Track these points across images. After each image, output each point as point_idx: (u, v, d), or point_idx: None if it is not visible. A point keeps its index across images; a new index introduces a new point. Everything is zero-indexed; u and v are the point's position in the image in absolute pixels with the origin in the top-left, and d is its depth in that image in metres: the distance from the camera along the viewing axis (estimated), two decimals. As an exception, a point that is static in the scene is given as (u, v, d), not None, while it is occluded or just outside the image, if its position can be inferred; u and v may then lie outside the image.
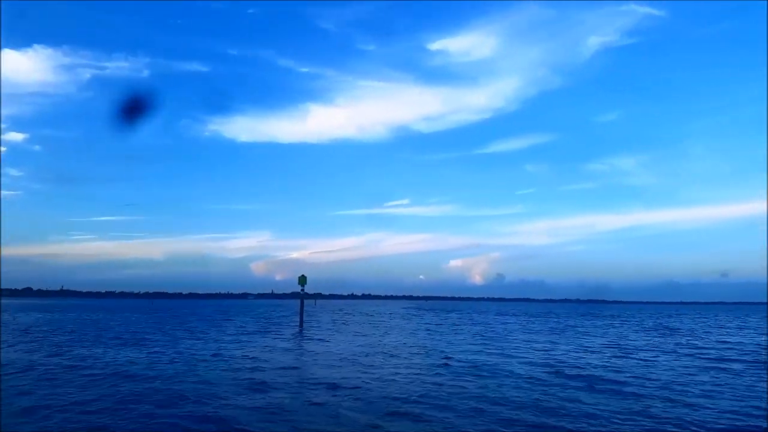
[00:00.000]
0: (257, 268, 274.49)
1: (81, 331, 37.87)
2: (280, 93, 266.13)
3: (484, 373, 18.41)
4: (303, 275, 42.68)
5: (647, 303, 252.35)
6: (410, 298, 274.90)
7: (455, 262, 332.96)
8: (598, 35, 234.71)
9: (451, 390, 15.22)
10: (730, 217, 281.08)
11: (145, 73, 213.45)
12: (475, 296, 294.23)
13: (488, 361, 21.89)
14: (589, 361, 22.28)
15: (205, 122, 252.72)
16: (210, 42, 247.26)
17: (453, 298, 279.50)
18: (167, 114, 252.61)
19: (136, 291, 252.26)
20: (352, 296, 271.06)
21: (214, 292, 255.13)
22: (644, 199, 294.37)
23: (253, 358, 22.36)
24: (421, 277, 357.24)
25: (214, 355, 23.26)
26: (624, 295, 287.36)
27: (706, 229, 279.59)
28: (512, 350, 26.46)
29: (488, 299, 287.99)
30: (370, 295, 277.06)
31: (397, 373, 18.17)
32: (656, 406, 13.41)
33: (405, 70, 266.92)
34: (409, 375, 17.90)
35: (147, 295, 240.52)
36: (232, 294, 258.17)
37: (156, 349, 25.69)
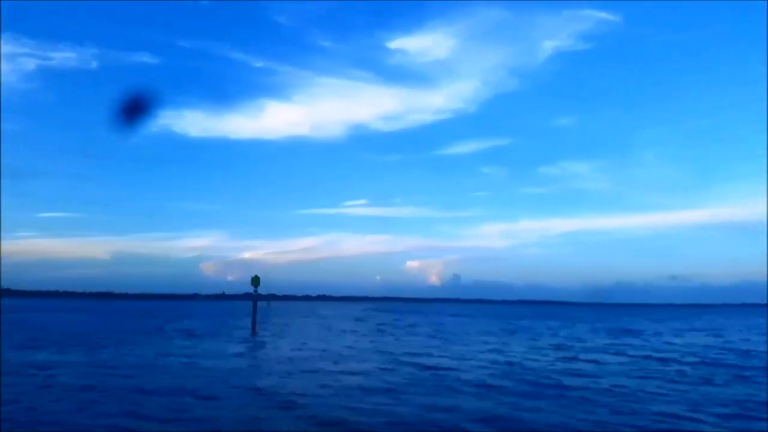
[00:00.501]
0: (208, 269, 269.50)
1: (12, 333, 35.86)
2: (233, 88, 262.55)
3: (431, 377, 18.16)
4: (256, 276, 41.72)
5: (599, 304, 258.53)
6: (367, 299, 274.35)
7: (412, 264, 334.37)
8: (553, 39, 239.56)
9: (394, 394, 14.92)
10: (680, 222, 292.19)
11: (93, 64, 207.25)
12: (432, 297, 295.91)
13: (438, 363, 21.69)
14: (538, 363, 22.33)
15: (154, 116, 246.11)
16: (161, 34, 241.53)
17: (410, 300, 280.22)
18: (115, 107, 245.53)
19: (81, 291, 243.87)
20: (308, 297, 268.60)
21: (162, 293, 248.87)
22: (597, 204, 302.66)
23: (196, 362, 21.46)
24: (377, 278, 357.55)
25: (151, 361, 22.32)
26: (577, 296, 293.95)
27: (656, 234, 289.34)
28: (463, 352, 26.31)
29: (445, 300, 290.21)
30: (326, 296, 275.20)
31: (339, 379, 17.66)
32: (597, 410, 13.36)
33: (363, 68, 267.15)
34: (354, 380, 17.44)
35: (92, 296, 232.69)
36: (181, 295, 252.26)
37: (100, 352, 24.44)
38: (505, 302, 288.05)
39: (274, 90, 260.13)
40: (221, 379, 17.30)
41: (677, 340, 36.81)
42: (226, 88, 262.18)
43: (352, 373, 18.62)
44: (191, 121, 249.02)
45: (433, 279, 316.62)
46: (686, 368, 21.39)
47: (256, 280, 41.40)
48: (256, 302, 43.37)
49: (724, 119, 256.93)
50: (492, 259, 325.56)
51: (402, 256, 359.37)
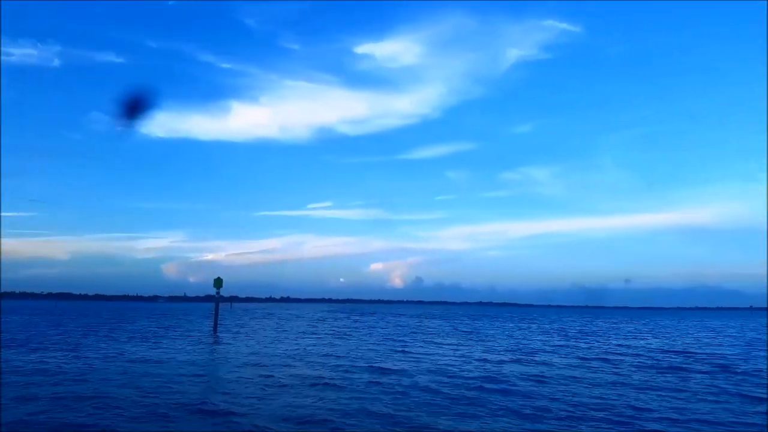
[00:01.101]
0: (169, 270, 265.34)
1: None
2: (200, 89, 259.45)
3: (383, 379, 18.16)
4: (218, 278, 42.05)
5: (556, 306, 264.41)
6: (330, 301, 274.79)
7: (376, 266, 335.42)
8: (517, 48, 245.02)
9: (337, 398, 15.10)
10: (634, 227, 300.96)
11: (56, 62, 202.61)
12: (395, 299, 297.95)
13: (392, 366, 21.76)
14: (488, 366, 23.03)
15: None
16: (127, 33, 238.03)
17: (373, 302, 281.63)
18: (78, 106, 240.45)
19: (38, 291, 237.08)
20: (271, 299, 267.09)
21: (122, 294, 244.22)
22: (555, 208, 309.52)
23: (141, 366, 21.53)
24: (341, 280, 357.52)
25: (106, 361, 22.30)
26: (535, 298, 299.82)
27: (611, 237, 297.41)
28: (417, 354, 26.75)
29: (407, 302, 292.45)
30: (289, 298, 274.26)
31: (291, 381, 17.74)
32: (542, 412, 14.00)
33: (330, 72, 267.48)
34: (307, 381, 17.61)
35: (51, 296, 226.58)
36: (141, 296, 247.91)
37: (45, 355, 24.47)
38: (466, 304, 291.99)
39: (242, 91, 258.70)
40: (159, 383, 16.83)
41: (626, 342, 38.42)
42: (193, 89, 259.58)
43: (300, 378, 18.46)
44: (156, 121, 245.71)
45: (396, 281, 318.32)
46: (627, 369, 22.56)
47: (218, 282, 41.80)
48: (218, 304, 43.81)
49: (678, 126, 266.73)
50: (454, 261, 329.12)
51: (366, 258, 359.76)
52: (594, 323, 74.12)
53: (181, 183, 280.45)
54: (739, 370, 21.91)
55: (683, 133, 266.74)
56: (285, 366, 21.36)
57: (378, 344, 32.28)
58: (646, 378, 19.44)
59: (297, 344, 31.60)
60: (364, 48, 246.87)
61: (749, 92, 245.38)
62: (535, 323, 70.25)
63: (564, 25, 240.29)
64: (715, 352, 30.88)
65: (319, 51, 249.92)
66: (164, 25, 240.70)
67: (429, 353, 27.06)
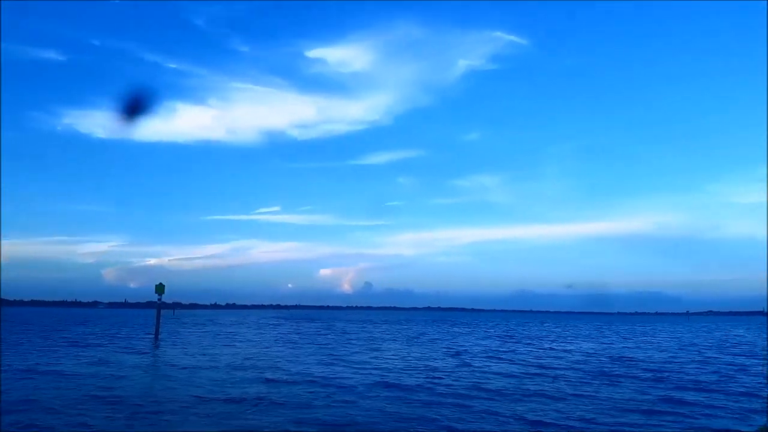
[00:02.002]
0: (109, 275, 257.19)
1: None
2: (144, 88, 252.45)
3: (315, 388, 17.88)
4: (161, 283, 41.19)
5: (503, 311, 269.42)
6: (278, 307, 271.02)
7: (325, 271, 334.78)
8: (466, 58, 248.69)
9: (260, 406, 14.86)
10: (578, 234, 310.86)
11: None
12: (344, 305, 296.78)
13: (326, 373, 21.55)
14: (425, 369, 23.36)
15: (59, 115, 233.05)
16: (69, 30, 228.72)
17: (322, 307, 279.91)
18: (15, 104, 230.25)
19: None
20: (216, 306, 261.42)
21: (59, 300, 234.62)
22: (503, 215, 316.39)
23: (90, 374, 20.90)
24: (289, 285, 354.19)
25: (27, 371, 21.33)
26: (482, 303, 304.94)
27: (555, 244, 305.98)
28: (350, 360, 26.70)
29: (357, 308, 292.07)
30: (235, 304, 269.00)
31: (216, 389, 17.48)
32: (455, 414, 14.23)
33: (280, 75, 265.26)
34: (235, 389, 17.36)
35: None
36: (80, 302, 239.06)
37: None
38: (415, 309, 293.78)
39: (188, 92, 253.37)
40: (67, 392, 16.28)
41: (563, 347, 39.51)
42: (137, 89, 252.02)
43: (227, 385, 18.26)
44: (97, 121, 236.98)
45: (346, 286, 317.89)
46: (559, 372, 23.19)
47: (160, 288, 40.93)
48: (159, 311, 42.86)
49: (619, 139, 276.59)
50: (403, 267, 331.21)
51: (315, 264, 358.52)
52: (530, 327, 76.09)
53: (123, 185, 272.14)
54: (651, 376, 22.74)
55: (624, 146, 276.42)
56: (213, 375, 20.92)
57: (313, 352, 31.90)
58: (561, 383, 20.00)
59: (236, 351, 31.07)
60: (315, 52, 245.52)
61: (688, 107, 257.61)
62: (479, 327, 71.45)
63: (512, 37, 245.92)
64: (644, 357, 32.08)
65: (270, 53, 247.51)
66: (108, 22, 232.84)
67: (363, 360, 27.03)
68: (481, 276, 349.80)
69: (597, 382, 20.22)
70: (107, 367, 23.12)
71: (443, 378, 20.60)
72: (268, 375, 20.82)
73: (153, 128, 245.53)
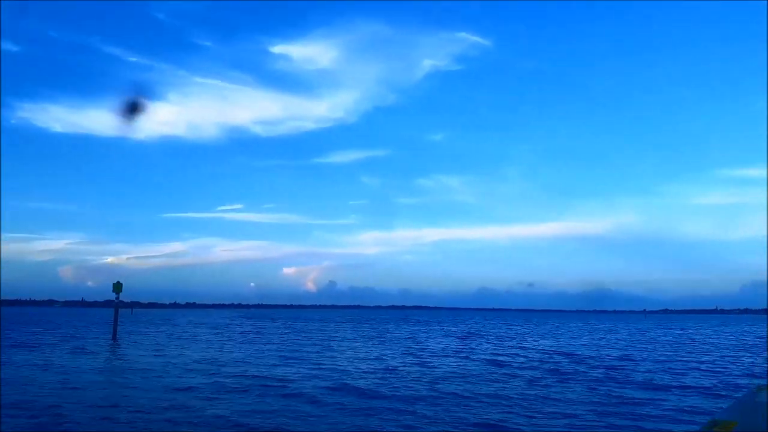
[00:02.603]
0: (66, 273, 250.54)
1: None
2: (103, 82, 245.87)
3: (262, 390, 17.34)
4: (118, 282, 40.39)
5: (466, 309, 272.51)
6: (240, 306, 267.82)
7: (289, 270, 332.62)
8: (431, 58, 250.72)
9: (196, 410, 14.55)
10: (537, 235, 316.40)
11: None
12: (308, 304, 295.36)
13: (276, 374, 21.07)
14: (368, 371, 23.14)
15: (14, 108, 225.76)
16: (26, 20, 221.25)
17: (285, 306, 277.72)
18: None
19: None
20: (176, 305, 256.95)
21: (13, 299, 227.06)
22: (466, 215, 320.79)
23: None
24: (251, 285, 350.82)
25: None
26: (445, 301, 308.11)
27: (517, 244, 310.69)
28: (310, 360, 26.43)
29: (321, 307, 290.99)
30: (195, 304, 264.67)
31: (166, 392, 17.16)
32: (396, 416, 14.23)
33: (244, 71, 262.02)
34: (177, 396, 16.75)
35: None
36: (35, 301, 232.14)
37: None
38: (379, 307, 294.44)
39: (148, 87, 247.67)
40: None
41: (520, 344, 40.11)
42: (96, 83, 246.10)
43: (173, 390, 17.63)
44: (54, 115, 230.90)
45: (309, 285, 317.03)
46: (513, 370, 23.54)
47: (118, 287, 40.12)
48: (117, 310, 41.99)
49: (581, 140, 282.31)
50: (368, 265, 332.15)
51: (278, 263, 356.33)
52: (490, 325, 77.20)
53: (80, 181, 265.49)
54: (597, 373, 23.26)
55: (585, 148, 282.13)
56: (159, 376, 20.51)
57: (266, 352, 31.28)
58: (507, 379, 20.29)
59: (188, 351, 30.47)
60: (280, 48, 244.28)
61: (648, 110, 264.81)
62: (440, 326, 72.03)
63: (476, 38, 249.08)
64: (596, 354, 32.71)
65: (233, 49, 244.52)
66: (67, 15, 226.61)
67: (316, 360, 26.75)
68: (444, 275, 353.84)
69: (550, 379, 20.55)
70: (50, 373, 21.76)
71: (395, 379, 20.51)
72: (215, 379, 19.89)
73: (111, 122, 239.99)
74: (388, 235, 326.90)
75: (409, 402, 15.57)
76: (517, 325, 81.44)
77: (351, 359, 27.27)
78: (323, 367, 23.64)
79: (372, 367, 24.06)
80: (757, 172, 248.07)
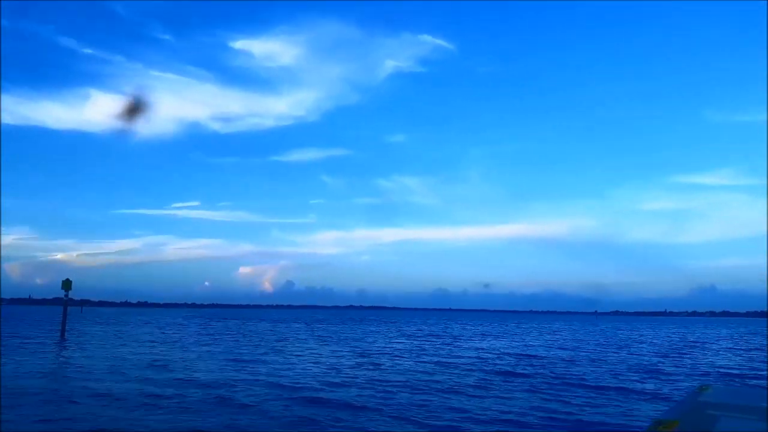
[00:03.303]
0: (12, 270, 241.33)
1: None
2: (56, 74, 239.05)
3: (194, 394, 16.59)
4: (68, 279, 39.62)
5: (423, 310, 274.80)
6: (194, 306, 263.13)
7: (245, 270, 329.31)
8: (394, 60, 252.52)
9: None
10: (494, 236, 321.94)
11: None
12: (264, 304, 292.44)
13: (217, 377, 20.20)
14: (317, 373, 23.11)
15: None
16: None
17: (241, 306, 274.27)
18: None
19: None
20: (127, 304, 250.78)
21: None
22: (425, 216, 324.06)
23: None
24: (206, 284, 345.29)
25: None
26: (402, 302, 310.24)
27: (473, 245, 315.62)
28: (254, 363, 25.49)
29: (278, 307, 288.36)
30: (147, 303, 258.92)
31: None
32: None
33: (203, 66, 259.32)
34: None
35: None
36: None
37: None
38: (337, 308, 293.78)
39: (103, 80, 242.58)
40: None
41: (471, 345, 40.55)
42: (48, 74, 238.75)
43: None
44: (4, 107, 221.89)
45: (266, 285, 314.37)
46: (460, 371, 23.58)
47: (67, 284, 39.40)
48: (66, 308, 41.22)
49: (537, 144, 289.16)
50: (325, 265, 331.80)
51: (234, 262, 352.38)
52: (444, 326, 78.03)
53: (29, 175, 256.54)
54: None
55: (542, 151, 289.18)
56: (119, 374, 20.12)
57: (212, 354, 30.23)
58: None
59: (125, 352, 29.79)
60: (241, 44, 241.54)
61: (604, 118, 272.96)
62: (396, 326, 72.09)
63: (439, 42, 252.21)
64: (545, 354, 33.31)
65: (193, 43, 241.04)
66: (20, 4, 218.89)
67: (263, 361, 26.40)
68: (402, 275, 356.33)
69: (499, 379, 20.66)
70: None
71: (339, 381, 20.26)
72: (145, 384, 18.55)
73: (63, 115, 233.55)
74: (347, 235, 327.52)
75: (349, 407, 15.09)
76: (471, 326, 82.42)
77: (297, 362, 26.60)
78: (262, 371, 22.50)
79: (318, 369, 23.53)
80: (705, 178, 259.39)
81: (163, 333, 50.63)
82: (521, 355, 32.17)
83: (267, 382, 19.03)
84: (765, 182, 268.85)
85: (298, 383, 18.98)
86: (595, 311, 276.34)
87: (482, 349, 36.81)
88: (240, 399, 15.81)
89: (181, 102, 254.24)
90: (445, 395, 17.07)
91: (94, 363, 24.12)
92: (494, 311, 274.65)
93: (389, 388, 18.12)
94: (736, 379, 23.04)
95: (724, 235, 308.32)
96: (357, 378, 20.73)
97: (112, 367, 22.93)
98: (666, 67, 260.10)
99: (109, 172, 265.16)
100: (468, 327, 78.55)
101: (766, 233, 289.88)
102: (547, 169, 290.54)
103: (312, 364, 25.28)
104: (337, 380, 19.99)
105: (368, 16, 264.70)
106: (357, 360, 27.63)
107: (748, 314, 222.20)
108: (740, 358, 33.19)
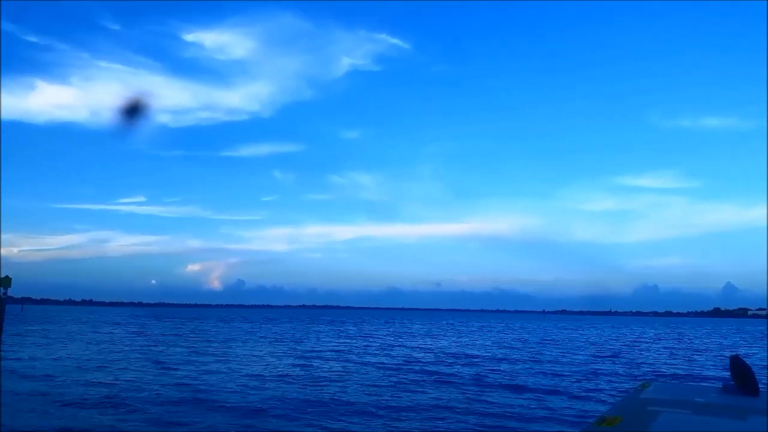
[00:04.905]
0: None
1: None
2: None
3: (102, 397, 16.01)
4: (7, 276, 38.73)
5: (373, 308, 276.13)
6: (140, 305, 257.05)
7: (193, 267, 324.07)
8: (350, 57, 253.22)
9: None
10: (445, 234, 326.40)
11: None
12: (214, 303, 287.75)
13: (135, 380, 19.27)
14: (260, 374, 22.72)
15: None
16: None
17: (189, 305, 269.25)
18: None
19: None
20: (70, 302, 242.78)
21: None
22: (376, 213, 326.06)
23: None
24: (153, 281, 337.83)
25: None
26: (354, 301, 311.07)
27: (424, 243, 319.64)
28: (180, 365, 24.53)
29: (227, 306, 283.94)
30: (92, 301, 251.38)
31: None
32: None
33: (152, 57, 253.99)
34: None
35: None
36: None
37: None
38: (288, 307, 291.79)
39: (47, 68, 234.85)
40: None
41: (416, 343, 40.56)
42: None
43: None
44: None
45: (215, 283, 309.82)
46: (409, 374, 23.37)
47: (6, 281, 38.58)
48: (4, 306, 40.36)
49: (486, 143, 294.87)
50: (276, 263, 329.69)
51: (181, 259, 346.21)
52: (390, 325, 78.27)
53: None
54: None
55: (492, 150, 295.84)
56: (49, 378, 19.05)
57: (138, 356, 29.27)
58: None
59: (65, 352, 28.86)
60: (192, 35, 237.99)
61: (550, 119, 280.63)
62: (343, 326, 72.14)
63: (395, 41, 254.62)
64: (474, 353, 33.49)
65: (142, 33, 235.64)
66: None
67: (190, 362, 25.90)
68: (354, 273, 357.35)
69: (433, 380, 20.53)
70: None
71: (263, 385, 19.76)
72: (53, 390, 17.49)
73: (4, 104, 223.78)
74: (299, 231, 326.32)
75: (257, 412, 14.45)
76: (417, 324, 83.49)
77: (225, 365, 25.73)
78: (187, 374, 21.55)
79: (250, 372, 22.86)
80: (646, 181, 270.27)
81: (97, 333, 48.95)
82: (457, 354, 32.10)
83: (182, 388, 17.94)
84: (703, 185, 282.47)
85: (203, 386, 18.16)
86: (543, 310, 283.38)
87: (419, 347, 36.88)
88: (136, 405, 14.86)
89: (128, 93, 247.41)
90: (353, 395, 16.82)
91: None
92: (445, 310, 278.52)
93: (313, 391, 17.61)
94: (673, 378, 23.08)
95: (664, 235, 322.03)
96: (285, 380, 20.01)
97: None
98: (613, 71, 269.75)
99: (52, 165, 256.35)
100: (415, 325, 79.41)
101: (704, 234, 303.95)
102: (497, 168, 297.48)
103: (242, 366, 24.34)
104: (257, 383, 19.20)
105: (325, 11, 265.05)
106: (289, 360, 27.02)
107: (689, 314, 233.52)
108: (678, 359, 33.31)
